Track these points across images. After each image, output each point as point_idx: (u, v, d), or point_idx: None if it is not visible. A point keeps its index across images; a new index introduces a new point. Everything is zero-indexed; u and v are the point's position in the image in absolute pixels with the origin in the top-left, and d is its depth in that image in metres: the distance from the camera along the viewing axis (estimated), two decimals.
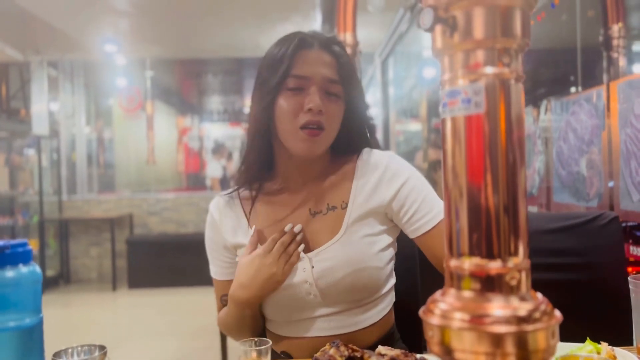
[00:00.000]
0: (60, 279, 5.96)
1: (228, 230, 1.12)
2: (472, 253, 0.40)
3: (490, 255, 0.39)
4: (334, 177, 1.10)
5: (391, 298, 1.13)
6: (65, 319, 4.49)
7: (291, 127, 1.02)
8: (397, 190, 1.05)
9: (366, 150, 1.12)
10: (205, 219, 1.19)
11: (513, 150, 0.41)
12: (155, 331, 4.08)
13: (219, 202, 1.16)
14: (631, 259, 1.60)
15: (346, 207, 1.06)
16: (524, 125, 0.43)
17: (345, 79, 1.06)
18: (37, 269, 0.73)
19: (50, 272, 5.81)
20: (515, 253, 0.40)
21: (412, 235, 1.06)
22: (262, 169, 1.10)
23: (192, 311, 4.57)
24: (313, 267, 1.02)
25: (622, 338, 0.88)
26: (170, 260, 5.53)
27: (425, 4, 0.44)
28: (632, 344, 0.90)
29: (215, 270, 1.16)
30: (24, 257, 0.71)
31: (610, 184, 1.71)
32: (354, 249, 1.02)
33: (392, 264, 1.10)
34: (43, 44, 5.81)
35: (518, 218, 0.40)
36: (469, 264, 0.40)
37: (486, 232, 0.40)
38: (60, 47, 5.88)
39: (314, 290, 1.02)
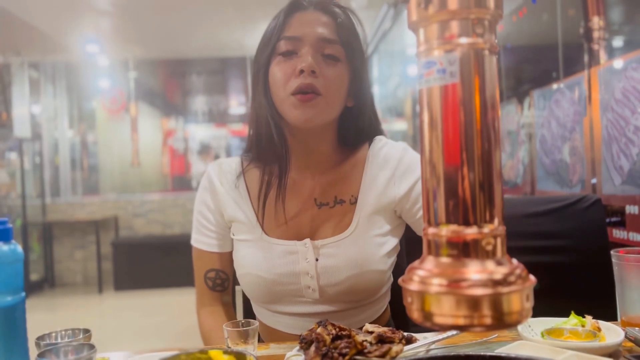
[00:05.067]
0: (45, 283, 5.89)
1: (228, 201, 1.04)
2: (449, 220, 0.40)
3: (466, 222, 0.40)
4: (344, 168, 1.04)
5: (388, 298, 1.10)
6: (51, 323, 4.44)
7: (283, 94, 0.94)
8: (411, 188, 1.00)
9: (378, 138, 1.06)
10: (191, 220, 1.11)
11: (488, 119, 0.41)
12: (142, 333, 4.04)
13: (221, 168, 1.07)
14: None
15: (355, 202, 1.00)
16: (498, 94, 0.43)
17: (345, 39, 0.96)
18: (18, 247, 0.72)
19: (34, 277, 5.74)
20: (491, 220, 0.40)
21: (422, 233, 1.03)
22: (273, 148, 0.99)
23: (179, 312, 4.54)
24: (317, 259, 0.97)
25: (606, 317, 0.90)
26: (156, 262, 5.50)
27: None
28: (616, 321, 0.92)
29: (203, 240, 1.07)
30: (4, 236, 0.70)
31: (594, 180, 1.74)
32: (362, 249, 0.97)
33: (392, 268, 1.04)
34: (24, 45, 5.74)
35: (493, 185, 0.41)
36: (446, 230, 0.40)
37: (462, 199, 0.40)
38: (41, 48, 5.81)
39: (313, 285, 0.97)
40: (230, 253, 1.09)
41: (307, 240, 0.98)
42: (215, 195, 1.06)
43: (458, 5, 0.42)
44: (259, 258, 0.99)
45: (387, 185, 1.01)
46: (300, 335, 0.79)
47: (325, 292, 0.98)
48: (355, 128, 1.05)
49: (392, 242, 1.02)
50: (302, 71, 0.91)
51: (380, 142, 1.05)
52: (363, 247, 0.97)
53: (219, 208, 1.06)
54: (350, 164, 1.04)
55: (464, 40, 0.42)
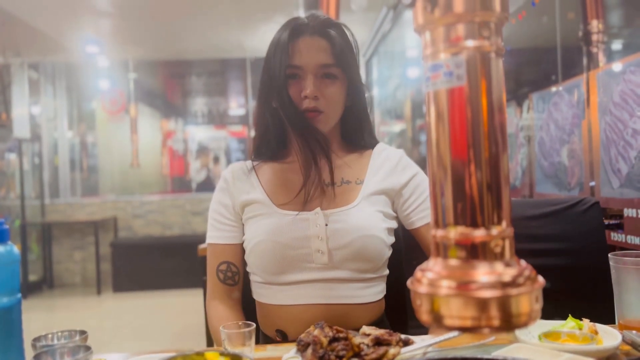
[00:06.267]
0: (44, 283, 5.88)
1: (240, 190, 1.17)
2: (457, 222, 0.41)
3: (474, 224, 0.40)
4: (349, 158, 1.19)
5: (384, 287, 1.17)
6: (49, 324, 4.43)
7: (295, 111, 1.11)
8: (410, 179, 1.16)
9: (381, 144, 1.23)
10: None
11: (495, 121, 0.42)
12: (140, 334, 4.04)
13: (233, 167, 1.22)
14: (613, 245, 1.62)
15: (361, 183, 1.14)
16: (504, 97, 0.43)
17: (341, 60, 1.11)
18: (15, 248, 0.72)
19: (33, 277, 5.72)
20: (499, 221, 0.40)
21: (415, 225, 1.14)
22: (277, 143, 1.18)
23: (178, 313, 4.54)
24: (327, 225, 1.08)
25: (604, 320, 0.90)
26: (155, 263, 5.48)
27: None
28: (614, 324, 0.92)
29: (217, 235, 1.18)
30: (1, 237, 0.70)
31: (592, 183, 1.74)
32: (367, 217, 1.09)
33: (390, 252, 1.14)
34: (23, 46, 5.73)
35: (500, 187, 0.41)
36: (454, 233, 0.41)
37: (470, 201, 0.40)
38: (41, 49, 5.81)
39: (323, 248, 1.07)
40: (242, 246, 1.17)
41: (318, 209, 1.10)
42: (230, 190, 1.18)
43: (464, 8, 0.43)
44: (273, 226, 1.10)
45: (391, 173, 1.16)
46: (298, 339, 0.80)
47: (333, 256, 1.07)
48: (354, 125, 1.21)
49: (392, 223, 1.15)
50: (306, 96, 1.09)
51: (382, 146, 1.23)
52: (368, 215, 1.10)
53: (234, 202, 1.17)
54: (355, 156, 1.20)
55: (470, 43, 0.43)
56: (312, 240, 1.07)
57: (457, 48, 0.43)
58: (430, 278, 0.40)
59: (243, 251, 1.17)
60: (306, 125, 1.11)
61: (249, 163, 1.21)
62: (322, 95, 1.10)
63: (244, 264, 1.18)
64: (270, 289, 1.11)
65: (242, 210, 1.16)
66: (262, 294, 1.14)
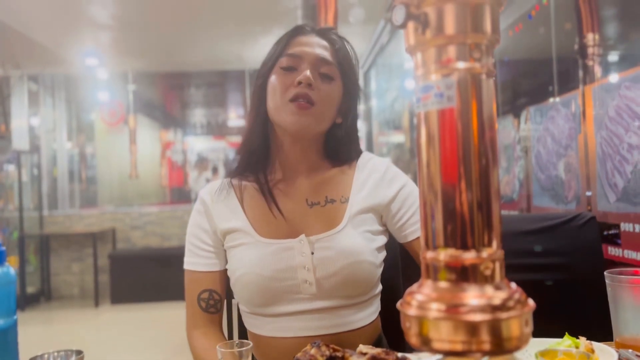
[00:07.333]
0: (41, 295, 5.84)
1: (220, 215, 1.09)
2: (447, 245, 0.41)
3: (464, 246, 0.40)
4: (333, 173, 1.11)
5: (378, 305, 1.12)
6: (47, 336, 4.40)
7: (281, 101, 1.03)
8: (397, 192, 1.09)
9: (366, 153, 1.16)
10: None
11: (485, 143, 0.42)
12: (138, 347, 4.01)
13: (211, 188, 1.13)
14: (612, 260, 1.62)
15: (346, 201, 1.07)
16: (495, 118, 0.44)
17: (340, 63, 1.07)
18: (11, 270, 0.72)
19: (30, 289, 5.69)
20: (489, 244, 0.40)
21: (407, 238, 1.08)
22: (259, 158, 1.10)
23: (176, 326, 4.50)
24: (313, 253, 1.01)
25: (601, 336, 0.89)
26: (153, 275, 5.46)
27: (397, 1, 0.45)
28: (611, 341, 0.91)
29: (197, 261, 1.09)
30: None
31: (589, 193, 1.74)
32: (354, 241, 1.02)
33: (382, 268, 1.09)
34: (23, 58, 5.75)
35: (491, 209, 0.41)
36: (444, 255, 0.40)
37: (460, 223, 0.40)
38: (41, 61, 5.82)
39: (310, 278, 1.00)
40: (224, 272, 1.11)
41: (303, 236, 1.02)
42: (209, 214, 1.10)
43: (455, 30, 0.43)
44: (256, 257, 1.02)
45: (377, 187, 1.09)
46: (295, 351, 0.79)
47: (321, 286, 1.01)
48: (341, 142, 1.13)
49: (381, 240, 1.08)
50: (300, 82, 1.01)
51: (368, 156, 1.16)
52: (355, 239, 1.03)
53: (214, 227, 1.09)
54: (339, 171, 1.12)
55: (461, 64, 0.43)
56: (299, 270, 1.00)
57: (448, 69, 0.43)
58: (420, 300, 0.40)
59: (225, 277, 1.10)
60: (292, 120, 1.01)
61: (227, 183, 1.13)
62: (316, 87, 1.02)
63: (227, 290, 1.11)
64: (259, 320, 1.05)
65: (223, 237, 1.08)
66: (251, 324, 1.08)
